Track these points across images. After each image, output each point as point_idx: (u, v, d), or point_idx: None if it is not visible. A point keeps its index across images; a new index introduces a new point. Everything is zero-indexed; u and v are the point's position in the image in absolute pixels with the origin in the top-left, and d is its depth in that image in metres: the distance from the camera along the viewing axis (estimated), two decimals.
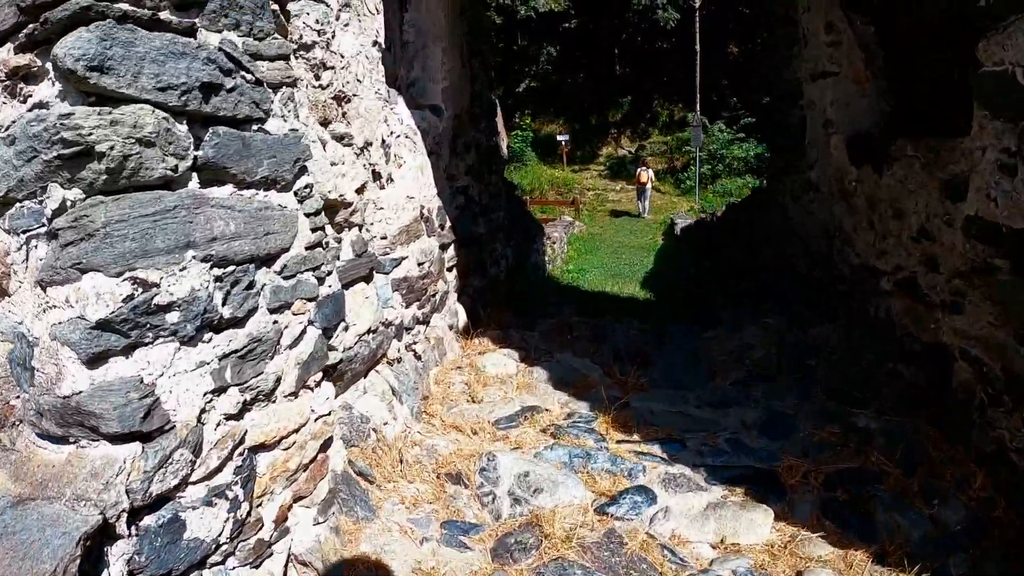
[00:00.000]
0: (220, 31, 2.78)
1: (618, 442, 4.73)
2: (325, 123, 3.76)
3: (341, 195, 3.83)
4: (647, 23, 33.30)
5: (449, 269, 6.24)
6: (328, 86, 3.75)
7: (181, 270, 2.56)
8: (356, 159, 4.10)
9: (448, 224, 6.11)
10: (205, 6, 2.69)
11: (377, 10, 4.49)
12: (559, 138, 32.88)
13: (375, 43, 4.45)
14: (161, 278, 2.48)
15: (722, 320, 7.47)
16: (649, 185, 27.74)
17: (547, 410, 5.15)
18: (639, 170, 28.11)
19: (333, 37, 3.77)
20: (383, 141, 4.57)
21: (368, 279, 4.35)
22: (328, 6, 3.70)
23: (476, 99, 7.36)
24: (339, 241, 3.92)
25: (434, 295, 5.66)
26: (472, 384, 5.50)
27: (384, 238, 4.61)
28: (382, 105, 4.55)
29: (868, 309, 6.07)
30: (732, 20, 36.91)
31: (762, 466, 4.41)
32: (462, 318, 6.53)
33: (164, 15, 2.50)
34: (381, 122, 4.51)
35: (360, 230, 4.24)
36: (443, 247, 5.99)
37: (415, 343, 5.30)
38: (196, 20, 2.66)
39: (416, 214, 5.23)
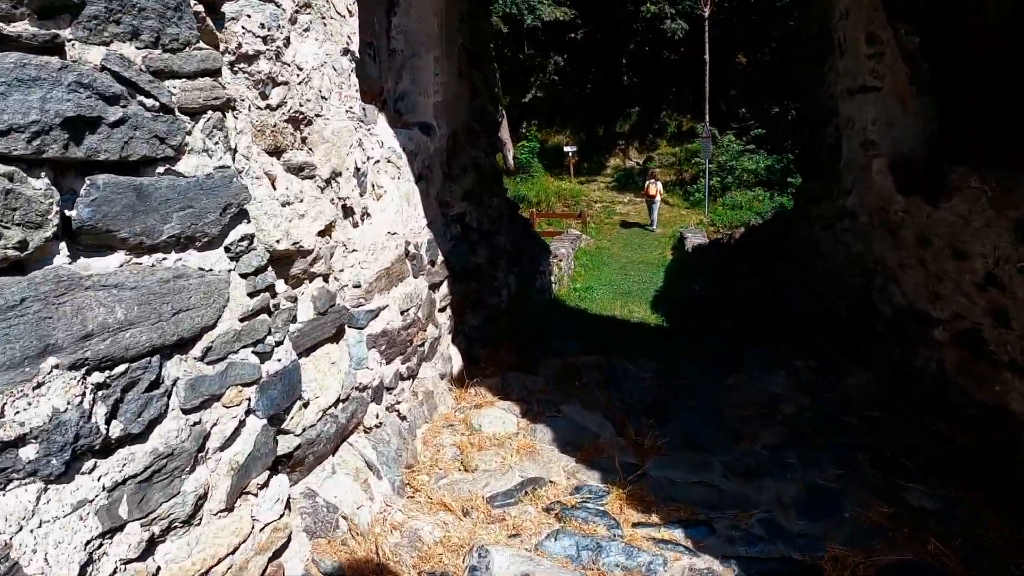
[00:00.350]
0: (107, 43, 2.01)
1: (634, 525, 3.96)
2: (277, 152, 3.01)
3: (296, 242, 3.07)
4: (655, 33, 32.56)
5: (442, 310, 5.49)
6: (280, 106, 3.00)
7: (35, 388, 1.80)
8: (320, 193, 3.36)
9: (440, 259, 5.36)
10: (81, 11, 1.92)
11: (350, 12, 3.75)
12: (566, 149, 32.13)
13: (346, 51, 3.71)
14: (3, 404, 1.73)
15: (743, 359, 6.69)
16: (658, 198, 26.99)
17: (551, 482, 4.37)
18: (648, 182, 27.37)
19: (287, 45, 3.02)
20: (357, 169, 3.82)
21: (337, 338, 3.61)
22: (279, 7, 2.95)
23: (476, 114, 6.62)
24: (295, 299, 3.16)
25: (422, 344, 4.90)
26: (465, 448, 4.72)
27: (358, 286, 3.85)
28: (355, 126, 3.80)
29: (914, 359, 5.32)
30: (741, 29, 36.23)
31: (803, 557, 3.66)
32: (456, 363, 5.76)
33: (12, 27, 1.75)
34: (354, 146, 3.77)
35: (326, 280, 3.50)
36: (434, 287, 5.24)
37: (398, 403, 4.55)
38: (65, 31, 1.89)
39: (400, 252, 4.49)
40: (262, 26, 2.82)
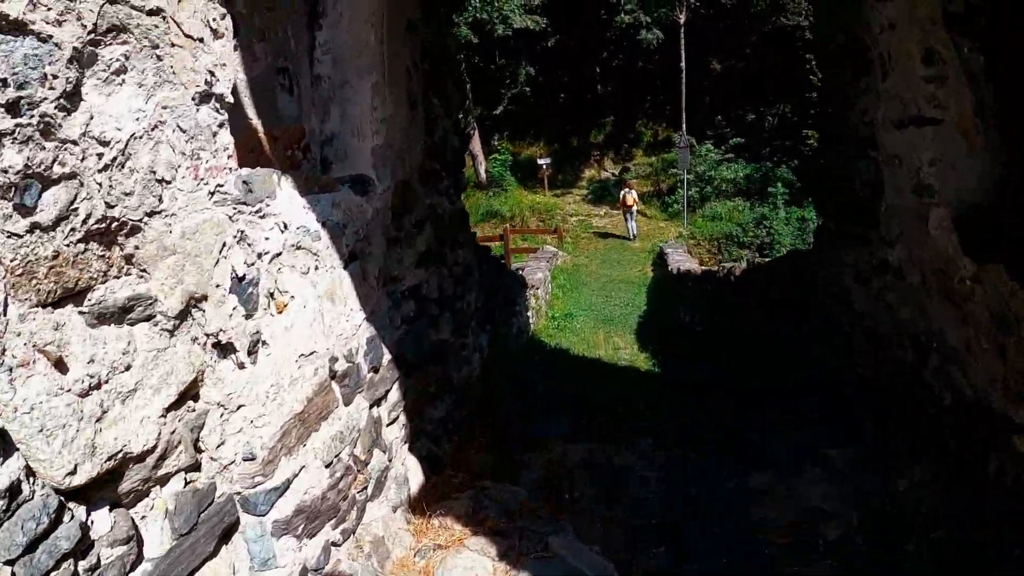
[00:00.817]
0: None
1: None
2: (71, 297, 1.72)
3: (118, 452, 1.78)
4: (629, 42, 31.43)
5: (392, 422, 4.19)
6: (65, 219, 1.71)
7: None
8: (168, 340, 2.07)
9: (387, 358, 4.06)
10: None
11: (213, 31, 2.44)
12: (540, 161, 30.87)
13: (205, 97, 2.39)
14: None
15: (767, 445, 5.43)
16: (635, 208, 25.85)
17: None
18: (623, 192, 26.23)
19: (71, 105, 1.73)
20: (239, 279, 2.53)
21: (224, 541, 2.33)
22: (49, 41, 1.66)
23: (435, 151, 5.31)
24: (128, 539, 1.87)
25: (363, 488, 3.60)
26: None
27: (251, 458, 2.55)
28: (229, 213, 2.50)
29: (986, 464, 4.11)
30: (715, 36, 35.19)
31: None
32: (415, 481, 4.43)
33: None
34: (228, 247, 2.48)
35: (195, 471, 2.20)
36: (377, 401, 3.94)
37: (336, 573, 3.25)
38: None
39: (321, 378, 3.19)
40: (6, 82, 1.53)
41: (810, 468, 5.00)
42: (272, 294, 2.87)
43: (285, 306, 2.98)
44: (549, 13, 31.54)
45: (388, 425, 4.14)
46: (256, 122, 3.63)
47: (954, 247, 4.22)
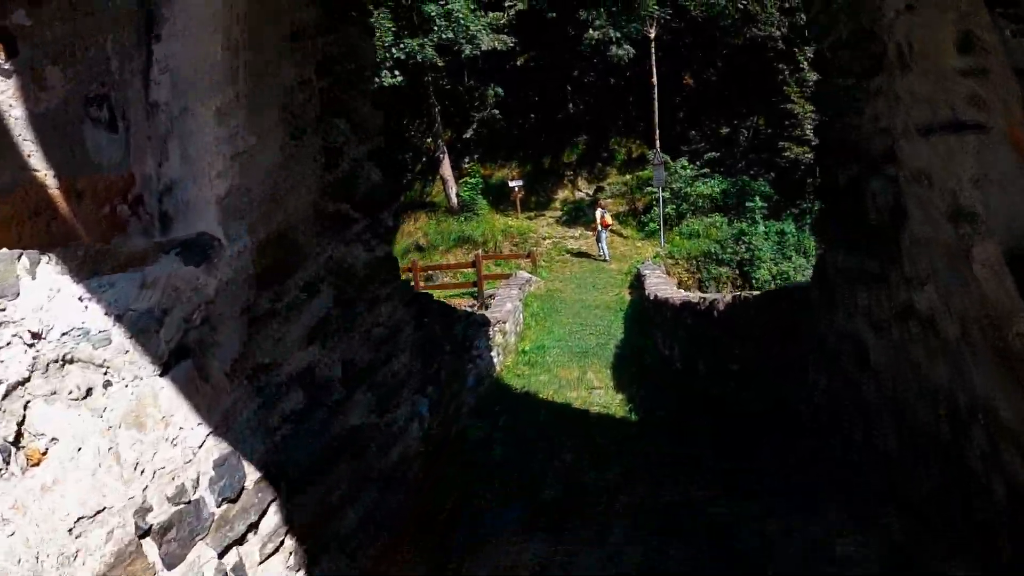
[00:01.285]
0: None
1: None
2: None
3: None
4: (600, 59, 30.52)
5: (269, 556, 3.05)
6: None
7: None
8: None
9: (254, 477, 2.92)
10: None
11: None
12: (511, 184, 29.87)
13: None
14: None
15: (774, 544, 4.30)
16: (605, 229, 24.91)
17: None
18: (597, 212, 25.29)
19: None
20: None
21: None
22: None
23: (339, 188, 4.17)
24: None
25: None
26: None
27: None
28: None
29: None
30: (686, 50, 34.43)
31: None
32: None
33: None
34: None
35: None
36: (237, 541, 2.80)
37: None
38: None
39: (121, 543, 2.08)
40: None
41: (825, 568, 3.89)
42: (16, 442, 1.76)
43: (42, 456, 1.87)
44: (517, 32, 30.65)
45: (263, 562, 3.01)
46: (46, 173, 2.49)
47: (1008, 293, 3.13)
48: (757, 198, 24.89)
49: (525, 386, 10.56)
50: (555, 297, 20.80)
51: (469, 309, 24.29)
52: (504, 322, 13.24)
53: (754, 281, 22.38)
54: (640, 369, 11.31)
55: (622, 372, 12.05)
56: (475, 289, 23.36)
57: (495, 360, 11.55)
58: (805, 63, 25.55)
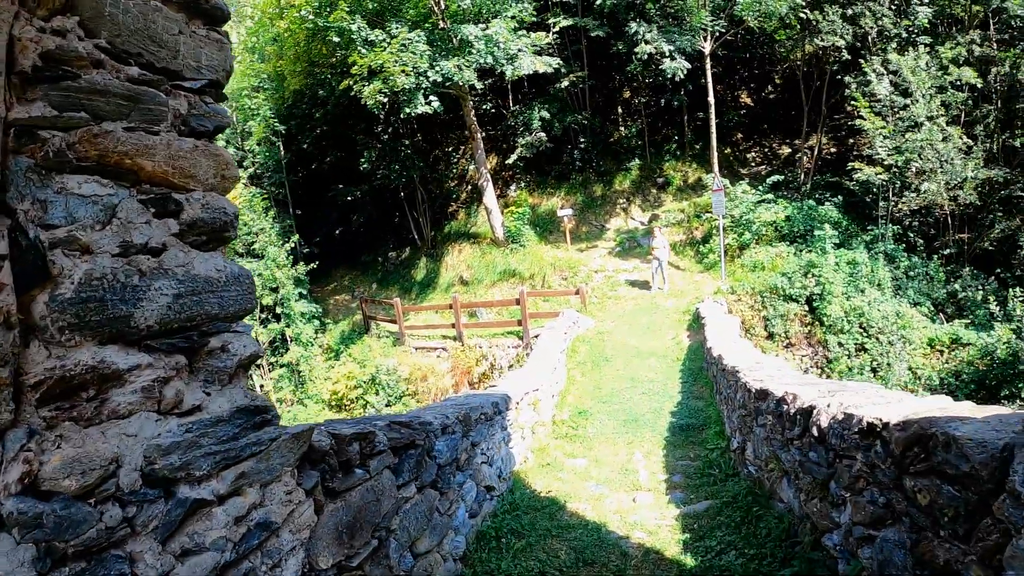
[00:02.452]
0: None
1: None
2: None
3: None
4: (652, 76, 28.13)
5: None
6: None
7: None
8: None
9: None
10: None
11: None
12: (560, 213, 27.55)
13: None
14: None
15: None
16: (665, 257, 22.55)
17: None
18: (652, 240, 22.96)
19: None
20: None
21: None
22: None
23: None
24: None
25: None
26: None
27: None
28: None
29: None
30: (742, 63, 31.88)
31: None
32: None
33: None
34: None
35: None
36: None
37: None
38: None
39: None
40: None
41: None
42: None
43: None
44: (562, 53, 28.49)
45: None
46: None
47: None
48: (827, 226, 22.14)
49: (550, 490, 8.21)
50: (605, 341, 18.42)
51: (514, 348, 22.31)
52: (537, 389, 10.95)
53: (824, 319, 19.74)
54: (702, 464, 8.88)
55: (677, 459, 9.64)
56: (520, 328, 21.21)
57: (521, 447, 9.27)
58: (873, 74, 22.80)
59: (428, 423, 5.23)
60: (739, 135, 31.58)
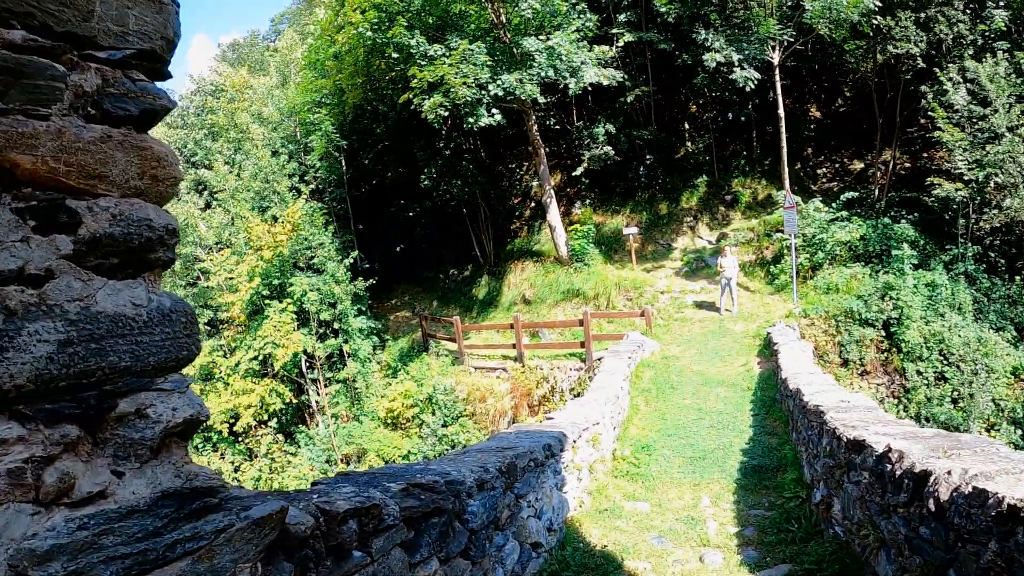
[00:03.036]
0: None
1: None
2: None
3: None
4: (719, 89, 26.97)
5: None
6: None
7: None
8: None
9: None
10: None
11: None
12: (625, 231, 26.48)
13: None
14: None
15: None
16: (735, 278, 21.35)
17: None
18: (719, 260, 21.76)
19: None
20: None
21: None
22: None
23: None
24: None
25: None
26: None
27: None
28: None
29: None
30: (812, 75, 30.47)
31: None
32: None
33: None
34: None
35: None
36: None
37: None
38: None
39: None
40: None
41: None
42: None
43: None
44: (627, 66, 27.51)
45: None
46: None
47: None
48: (905, 245, 20.64)
49: (606, 543, 7.20)
50: (671, 367, 17.32)
51: (576, 371, 21.29)
52: (597, 423, 9.96)
53: (902, 345, 18.31)
54: (778, 516, 7.78)
55: (749, 507, 8.54)
56: (583, 350, 20.24)
57: (576, 489, 8.30)
58: (949, 83, 21.30)
59: (459, 482, 4.31)
60: (809, 150, 30.11)
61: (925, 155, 27.09)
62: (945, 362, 16.96)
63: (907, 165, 27.50)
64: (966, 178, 20.43)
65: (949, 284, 19.48)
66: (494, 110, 21.94)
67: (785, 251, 22.82)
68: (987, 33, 22.11)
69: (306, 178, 30.63)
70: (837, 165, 29.84)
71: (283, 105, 33.11)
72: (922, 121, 26.18)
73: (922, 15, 22.67)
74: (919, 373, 17.15)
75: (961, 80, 21.19)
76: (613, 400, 11.85)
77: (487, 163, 32.50)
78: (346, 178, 31.17)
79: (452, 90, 20.46)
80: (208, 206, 33.79)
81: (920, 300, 18.83)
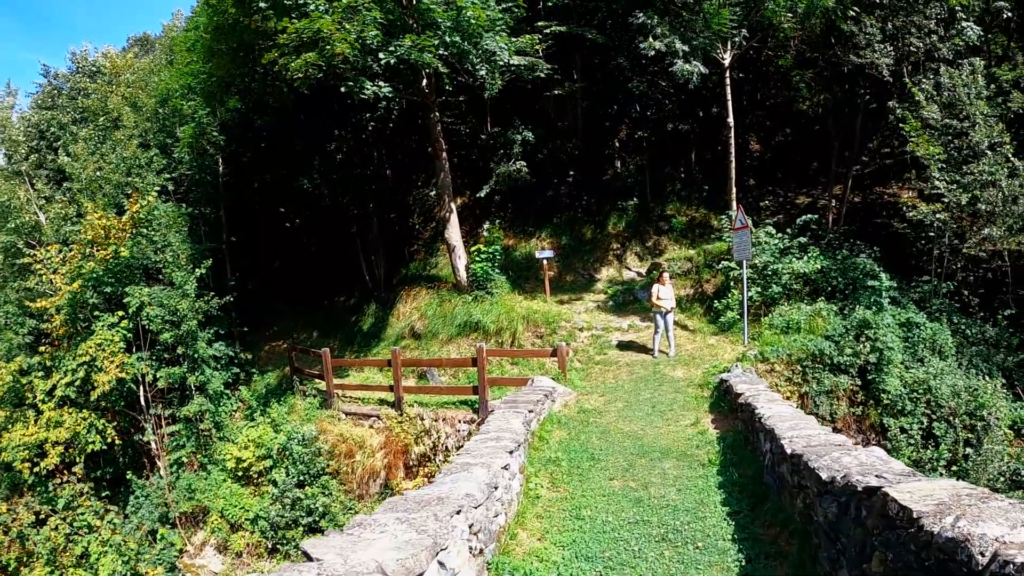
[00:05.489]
0: None
1: None
2: None
3: None
4: (659, 92, 22.00)
5: None
6: None
7: None
8: None
9: None
10: None
11: None
12: (539, 255, 21.02)
13: None
14: None
15: None
16: (671, 310, 16.07)
17: None
18: (655, 287, 16.41)
19: None
20: None
21: None
22: None
23: None
24: None
25: None
26: None
27: None
28: None
29: None
30: (762, 82, 25.92)
31: None
32: None
33: None
34: None
35: None
36: None
37: None
38: None
39: None
40: None
41: None
42: None
43: None
44: (556, 58, 22.28)
45: None
46: None
47: None
48: (883, 275, 15.86)
49: None
50: (590, 425, 11.73)
51: (466, 424, 15.77)
52: (443, 551, 4.32)
53: (882, 396, 13.44)
54: None
55: None
56: (476, 397, 14.68)
57: None
58: (921, 95, 17.35)
59: None
60: (751, 181, 25.37)
61: (879, 188, 23.25)
62: (932, 417, 13.60)
63: (855, 200, 23.19)
64: (945, 199, 16.05)
65: (929, 324, 14.93)
66: (381, 82, 16.40)
67: (732, 283, 17.71)
68: (958, 46, 18.63)
69: (176, 176, 24.49)
70: (782, 198, 25.23)
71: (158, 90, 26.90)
72: (884, 150, 22.22)
73: (889, 25, 18.67)
74: (903, 431, 13.52)
75: (935, 93, 17.21)
76: (486, 487, 6.19)
77: (386, 175, 26.63)
78: (221, 180, 24.94)
79: (328, 46, 14.84)
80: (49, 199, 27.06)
81: (898, 341, 14.18)
